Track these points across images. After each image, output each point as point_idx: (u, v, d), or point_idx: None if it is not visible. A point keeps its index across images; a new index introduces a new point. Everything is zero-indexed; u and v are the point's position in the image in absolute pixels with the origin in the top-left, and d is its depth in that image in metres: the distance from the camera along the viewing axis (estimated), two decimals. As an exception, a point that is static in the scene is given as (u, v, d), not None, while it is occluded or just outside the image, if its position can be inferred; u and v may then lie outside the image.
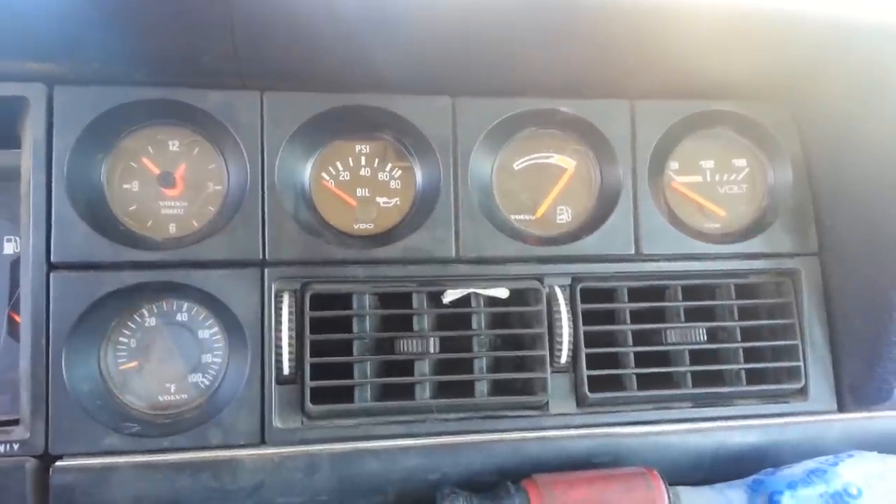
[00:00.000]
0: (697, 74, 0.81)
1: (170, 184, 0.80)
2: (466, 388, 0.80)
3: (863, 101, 0.78)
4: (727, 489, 0.77)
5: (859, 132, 0.80)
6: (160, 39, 0.70)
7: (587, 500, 0.72)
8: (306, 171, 0.83)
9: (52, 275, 0.73)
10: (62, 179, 0.74)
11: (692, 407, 0.83)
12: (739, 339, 0.85)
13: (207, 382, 0.79)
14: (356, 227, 0.84)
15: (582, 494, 0.72)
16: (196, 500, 0.72)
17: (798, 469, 0.77)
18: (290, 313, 0.76)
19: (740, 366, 0.84)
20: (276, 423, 0.75)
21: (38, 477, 0.70)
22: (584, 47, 0.75)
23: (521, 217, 0.87)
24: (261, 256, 0.77)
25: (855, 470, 0.75)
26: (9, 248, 0.88)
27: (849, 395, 0.86)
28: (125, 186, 0.81)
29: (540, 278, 0.83)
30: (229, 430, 0.74)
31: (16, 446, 0.71)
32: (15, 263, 0.87)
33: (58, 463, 0.70)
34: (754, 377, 0.85)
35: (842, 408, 0.86)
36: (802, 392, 0.86)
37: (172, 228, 0.80)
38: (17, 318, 0.86)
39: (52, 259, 0.73)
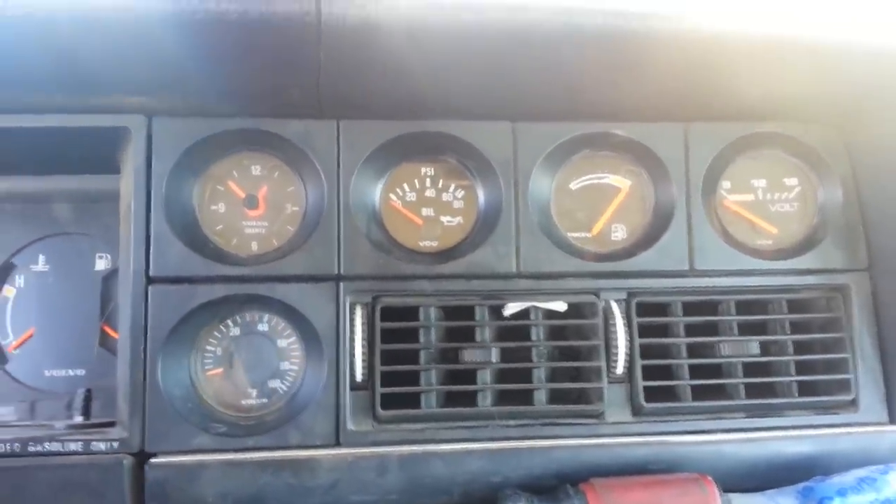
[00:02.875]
0: (748, 98, 0.85)
1: (253, 205, 0.87)
2: (526, 397, 0.84)
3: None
4: (778, 495, 0.80)
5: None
6: (250, 78, 0.77)
7: (642, 501, 0.76)
8: (377, 193, 0.89)
9: (150, 288, 0.81)
10: (160, 201, 0.82)
11: (745, 417, 0.86)
12: (791, 352, 0.88)
13: (286, 388, 0.86)
14: (422, 244, 0.89)
15: (638, 497, 0.76)
16: (277, 496, 0.77)
17: (849, 477, 0.79)
18: (362, 324, 0.82)
19: (792, 378, 0.87)
20: (350, 425, 0.81)
21: (135, 473, 0.77)
22: (640, 75, 0.80)
23: (578, 235, 0.92)
24: (336, 272, 0.83)
25: (902, 478, 0.78)
26: (101, 265, 0.97)
27: (901, 407, 0.88)
28: (213, 208, 0.88)
29: (596, 293, 0.87)
30: (307, 432, 0.80)
31: (115, 444, 0.78)
32: (106, 279, 0.96)
33: (152, 460, 0.77)
34: (806, 389, 0.87)
35: (893, 419, 0.88)
36: (853, 404, 0.88)
37: (255, 246, 0.87)
38: (109, 331, 0.94)
39: (151, 273, 0.81)
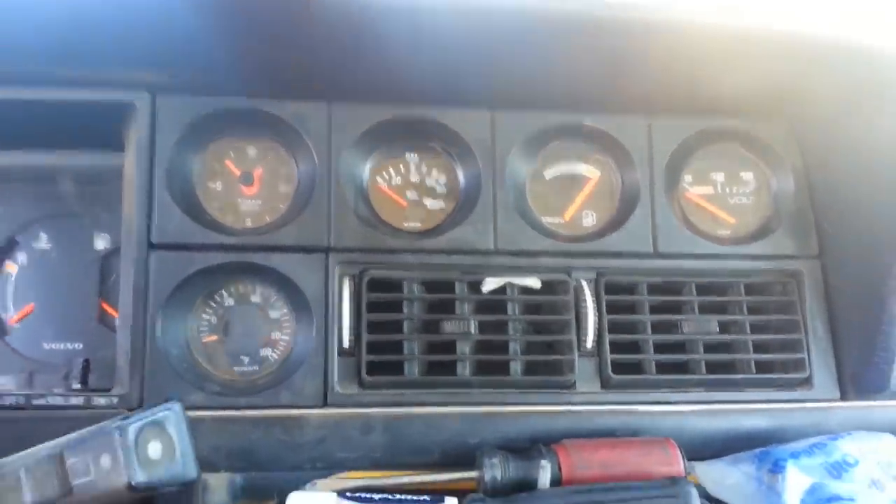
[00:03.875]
0: (703, 92, 0.93)
1: (249, 182, 0.93)
2: (502, 368, 0.90)
3: (853, 115, 0.90)
4: (736, 461, 0.85)
5: (852, 144, 0.91)
6: (248, 56, 0.84)
7: (610, 460, 0.81)
8: (365, 173, 0.95)
9: (151, 253, 0.86)
10: (162, 173, 0.87)
11: (705, 391, 0.92)
12: (748, 331, 0.94)
13: (277, 356, 0.91)
14: (406, 225, 0.96)
15: (605, 456, 0.82)
16: (268, 450, 0.82)
17: (802, 443, 0.85)
18: (350, 295, 0.88)
19: (750, 356, 0.93)
20: (337, 388, 0.86)
21: (134, 427, 0.81)
22: (608, 68, 0.87)
23: (552, 219, 0.98)
24: (326, 244, 0.89)
25: (852, 444, 0.84)
26: (100, 244, 1.02)
27: (850, 385, 0.94)
28: (210, 185, 0.94)
29: (568, 271, 0.94)
30: (297, 393, 0.85)
31: (115, 400, 0.82)
32: (105, 258, 1.00)
33: (151, 415, 0.81)
34: (762, 367, 0.94)
35: (844, 396, 0.94)
36: (807, 381, 0.94)
37: (249, 222, 0.93)
38: (107, 307, 0.99)
39: (153, 240, 0.86)
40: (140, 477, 0.44)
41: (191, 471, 0.48)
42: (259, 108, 0.91)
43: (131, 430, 0.45)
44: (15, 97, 0.87)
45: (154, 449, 0.45)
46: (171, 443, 0.47)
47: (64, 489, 0.45)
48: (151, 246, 0.86)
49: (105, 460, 0.44)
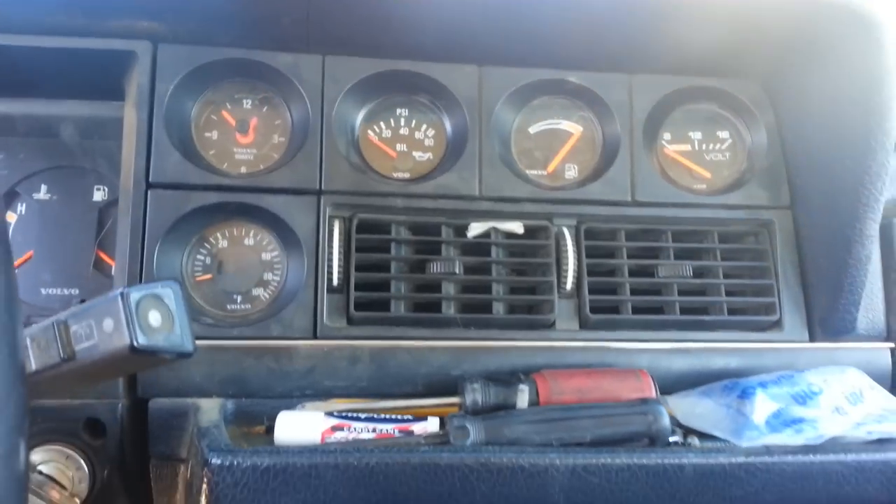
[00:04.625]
0: (679, 51, 0.98)
1: (245, 130, 0.97)
2: (486, 308, 0.94)
3: (818, 72, 0.94)
4: (705, 391, 0.89)
5: (820, 100, 0.96)
6: (247, 5, 0.88)
7: (585, 387, 0.85)
8: (356, 124, 0.99)
9: (149, 192, 0.90)
10: (161, 117, 0.91)
11: (679, 332, 0.96)
12: (721, 277, 0.98)
13: (268, 296, 0.94)
14: (395, 175, 1.00)
15: (581, 383, 0.86)
16: (259, 378, 0.86)
17: (769, 375, 0.89)
18: (340, 235, 0.92)
19: (722, 299, 0.97)
20: (327, 322, 0.90)
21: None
22: (584, 22, 0.92)
23: (535, 172, 1.03)
24: (318, 187, 0.93)
25: (817, 376, 0.88)
26: (98, 196, 1.05)
27: (819, 328, 0.99)
28: (206, 135, 0.98)
29: (550, 218, 0.98)
30: (287, 326, 0.89)
31: (112, 330, 0.86)
32: (103, 209, 1.04)
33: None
34: (735, 310, 0.98)
35: (812, 338, 0.98)
36: (777, 324, 0.98)
37: (243, 169, 0.97)
38: (104, 256, 1.02)
39: (151, 179, 0.90)
40: (141, 340, 0.47)
41: (188, 344, 0.52)
42: (255, 59, 0.95)
43: (133, 297, 0.48)
44: (20, 45, 0.90)
45: (154, 318, 0.49)
46: (170, 315, 0.50)
47: (67, 355, 0.48)
48: (149, 185, 0.90)
49: (108, 324, 0.48)
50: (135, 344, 0.47)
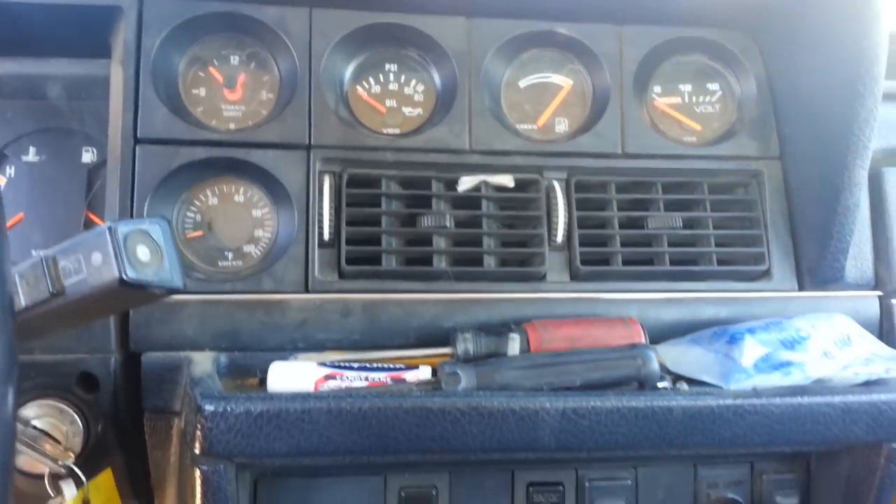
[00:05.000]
0: (669, 2, 0.97)
1: (232, 86, 0.97)
2: (477, 261, 0.94)
3: (807, 22, 0.94)
4: (695, 338, 0.90)
5: (808, 51, 0.95)
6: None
7: (575, 335, 0.86)
8: (345, 78, 0.99)
9: (137, 148, 0.89)
10: (148, 72, 0.91)
11: (669, 281, 0.97)
12: (711, 227, 0.99)
13: (260, 253, 0.94)
14: (385, 130, 0.99)
15: (571, 331, 0.86)
16: (251, 331, 0.86)
17: (758, 322, 0.90)
18: (330, 189, 0.92)
19: (712, 249, 0.98)
20: (318, 276, 0.90)
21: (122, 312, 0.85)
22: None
23: (525, 126, 1.03)
24: (307, 141, 0.93)
25: (805, 322, 0.89)
26: (87, 158, 1.05)
27: (807, 277, 0.99)
28: (194, 91, 0.97)
29: (540, 171, 0.98)
30: (279, 280, 0.89)
31: (104, 285, 0.86)
32: (92, 171, 1.04)
33: (139, 296, 0.85)
34: (724, 260, 0.98)
35: (801, 287, 0.99)
36: (766, 273, 0.99)
37: (231, 125, 0.97)
38: (93, 217, 1.02)
39: (139, 135, 0.89)
40: (130, 273, 0.47)
41: (177, 279, 0.52)
42: (242, 13, 0.94)
43: (121, 231, 0.48)
44: (5, 1, 0.89)
45: (143, 252, 0.49)
46: (159, 250, 0.50)
47: (56, 290, 0.48)
48: (137, 141, 0.89)
49: (96, 257, 0.48)
50: (124, 277, 0.47)
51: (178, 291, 0.54)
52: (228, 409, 0.70)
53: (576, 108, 1.03)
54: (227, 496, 0.73)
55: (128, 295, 0.50)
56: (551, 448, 0.77)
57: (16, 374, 0.41)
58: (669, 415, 0.78)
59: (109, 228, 0.48)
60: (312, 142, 0.93)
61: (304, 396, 0.73)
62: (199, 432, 0.71)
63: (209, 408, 0.71)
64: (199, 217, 0.94)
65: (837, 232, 0.95)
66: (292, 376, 0.79)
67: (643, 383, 0.80)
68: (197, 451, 0.72)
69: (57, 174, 1.04)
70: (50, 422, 0.82)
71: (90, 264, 0.48)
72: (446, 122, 0.96)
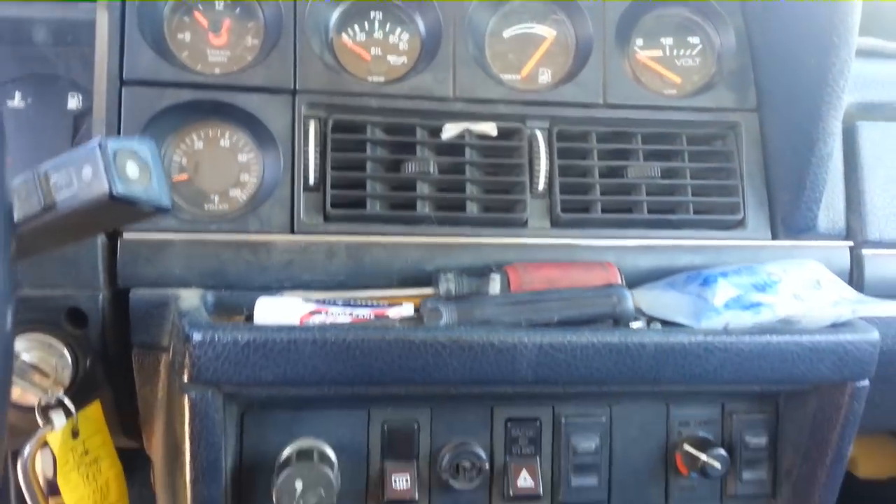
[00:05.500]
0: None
1: (217, 31, 0.97)
2: (460, 207, 0.96)
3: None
4: (669, 283, 0.93)
5: (786, 5, 0.97)
6: None
7: (554, 276, 0.88)
8: (330, 25, 1.00)
9: (123, 89, 0.90)
10: (133, 15, 0.91)
11: (646, 229, 0.99)
12: (689, 177, 1.01)
13: (245, 197, 0.96)
14: (370, 78, 1.01)
15: (550, 273, 0.89)
16: (237, 271, 0.88)
17: (731, 266, 0.93)
18: (315, 134, 0.93)
19: (689, 199, 1.00)
20: (304, 218, 0.92)
21: (108, 247, 0.86)
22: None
23: (509, 76, 1.04)
24: (293, 86, 0.94)
25: (777, 267, 0.92)
26: (72, 104, 1.05)
27: (781, 227, 1.02)
28: (179, 36, 0.98)
29: (523, 120, 0.99)
30: (265, 221, 0.91)
31: (91, 225, 0.87)
32: (78, 117, 1.04)
33: (124, 235, 0.87)
34: (700, 210, 1.01)
35: (775, 236, 1.02)
36: (741, 223, 1.02)
37: (217, 70, 0.97)
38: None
39: (124, 77, 0.90)
40: (120, 188, 0.49)
41: (165, 198, 0.53)
42: (225, -42, 0.94)
43: (111, 147, 0.49)
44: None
45: (132, 170, 0.51)
46: (147, 169, 0.52)
47: (48, 204, 0.50)
48: (123, 82, 0.90)
49: (87, 172, 0.49)
50: (113, 191, 0.49)
51: (165, 210, 0.55)
52: (216, 337, 0.72)
53: (559, 58, 1.05)
54: (214, 423, 0.76)
55: (117, 211, 0.52)
56: (529, 381, 0.79)
57: (15, 284, 0.43)
58: (642, 350, 0.81)
59: (100, 144, 0.49)
60: (298, 87, 0.94)
61: (290, 328, 0.76)
62: (187, 360, 0.73)
63: (197, 336, 0.73)
64: (184, 161, 0.95)
65: (811, 182, 0.98)
66: (278, 311, 0.81)
67: (618, 321, 0.83)
68: (185, 380, 0.74)
69: (42, 120, 1.04)
70: (39, 356, 0.84)
71: (81, 179, 0.49)
72: (430, 69, 0.97)
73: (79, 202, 0.50)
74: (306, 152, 0.93)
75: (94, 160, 0.49)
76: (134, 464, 1.01)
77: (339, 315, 0.81)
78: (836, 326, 0.88)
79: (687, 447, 0.91)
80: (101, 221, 0.56)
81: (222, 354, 0.73)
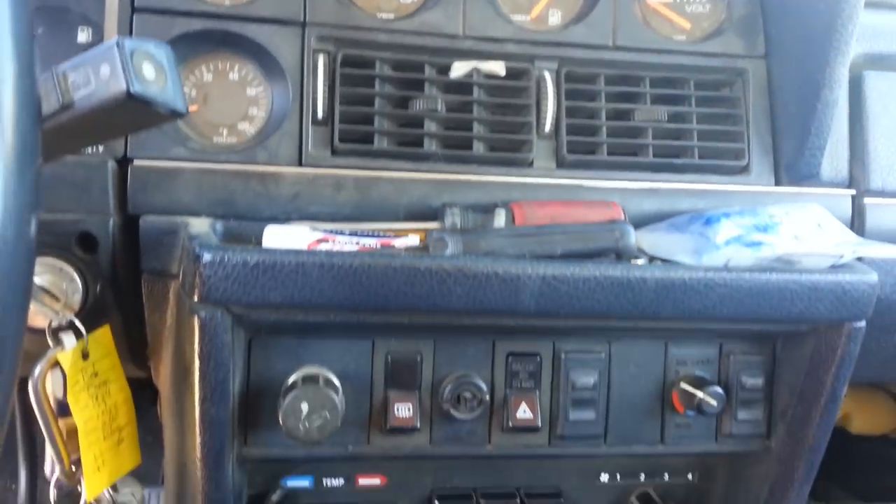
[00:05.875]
0: None
1: (227, -37, 0.97)
2: (466, 145, 0.97)
3: None
4: (672, 224, 0.94)
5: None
6: None
7: (558, 213, 0.89)
8: (341, -40, 0.99)
9: (134, 16, 0.90)
10: (143, -57, 0.91)
11: (651, 172, 1.00)
12: (695, 122, 1.02)
13: (254, 130, 0.96)
14: (380, 15, 1.00)
15: (554, 210, 0.90)
16: (245, 201, 0.89)
17: (733, 208, 0.94)
18: (324, 69, 0.93)
19: (694, 143, 1.01)
20: (311, 151, 0.92)
21: (119, 173, 0.87)
22: None
23: (519, 17, 1.04)
24: (302, 19, 0.94)
25: (779, 208, 0.93)
26: (82, 38, 1.05)
27: (785, 173, 1.03)
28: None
29: (531, 60, 1.00)
30: (274, 153, 0.91)
31: (100, 149, 0.88)
32: (87, 48, 1.04)
33: (135, 162, 0.88)
34: (706, 155, 1.02)
35: (778, 183, 1.03)
36: (745, 169, 1.03)
37: (227, 2, 0.97)
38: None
39: (136, 4, 0.90)
40: (137, 86, 0.50)
41: (180, 103, 0.54)
42: None
43: (128, 46, 0.50)
44: None
45: (148, 70, 0.51)
46: (163, 72, 0.53)
47: (66, 102, 0.51)
48: (134, 9, 0.90)
49: (104, 70, 0.50)
50: (131, 90, 0.50)
51: (180, 115, 0.56)
52: (226, 257, 0.74)
53: (568, 0, 1.05)
54: (223, 343, 0.77)
55: (133, 112, 0.53)
56: (531, 311, 0.81)
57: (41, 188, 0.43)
58: (643, 285, 0.82)
59: (118, 42, 0.50)
60: (308, 19, 0.94)
61: (298, 251, 0.77)
62: (197, 280, 0.74)
63: (207, 256, 0.74)
64: (194, 93, 0.95)
65: (816, 128, 0.98)
66: (286, 238, 0.82)
67: (620, 255, 0.84)
68: (195, 299, 0.75)
69: (52, 52, 1.04)
70: (50, 279, 0.85)
71: (99, 77, 0.50)
72: (440, 6, 0.97)
73: (96, 101, 0.50)
74: (315, 86, 0.93)
75: (111, 58, 0.50)
76: (140, 399, 1.02)
77: (346, 244, 0.83)
78: (835, 266, 0.89)
79: (684, 385, 0.93)
80: (117, 123, 0.56)
81: (232, 275, 0.74)
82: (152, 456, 1.06)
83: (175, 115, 0.55)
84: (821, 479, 1.00)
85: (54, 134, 0.51)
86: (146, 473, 0.97)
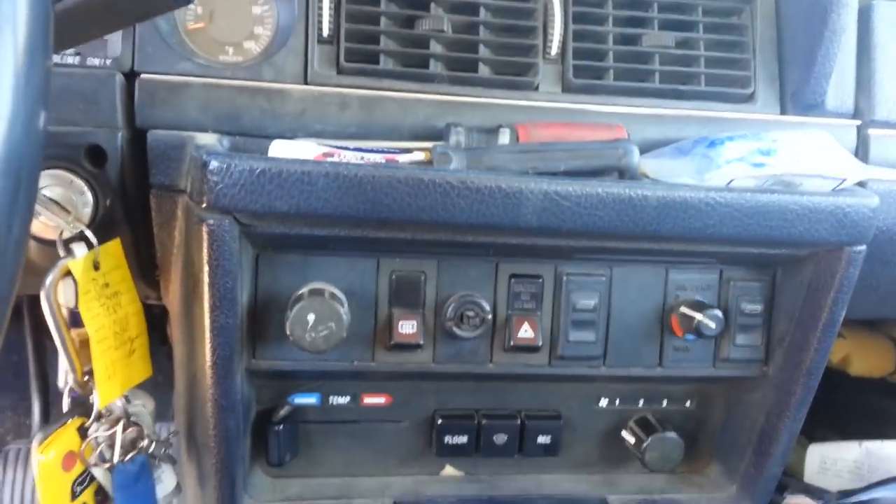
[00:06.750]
0: None
1: None
2: (472, 68, 0.97)
3: None
4: (676, 149, 0.94)
5: None
6: None
7: (562, 133, 0.90)
8: None
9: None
10: None
11: (657, 98, 1.00)
12: (702, 49, 1.01)
13: (260, 49, 0.96)
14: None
15: (559, 131, 0.90)
16: (251, 117, 0.89)
17: (737, 132, 0.94)
18: (330, -15, 0.93)
19: (701, 70, 1.01)
20: (317, 69, 0.92)
21: (126, 85, 0.88)
22: None
23: (526, -59, 1.03)
24: (307, -62, 0.93)
25: (783, 134, 0.93)
26: None
27: (790, 103, 1.03)
28: None
29: (538, -19, 0.99)
30: (279, 71, 0.92)
31: (108, 62, 0.88)
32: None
33: (142, 75, 0.88)
34: (711, 82, 1.01)
35: (783, 112, 1.03)
36: (751, 97, 1.03)
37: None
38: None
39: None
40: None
41: (189, -10, 0.54)
42: None
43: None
44: None
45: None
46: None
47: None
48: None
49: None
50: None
51: (188, 1, 0.56)
52: (233, 164, 0.75)
53: (578, -73, 1.03)
54: (231, 252, 0.79)
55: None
56: (532, 227, 0.82)
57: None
58: (645, 202, 0.83)
59: None
60: (313, -61, 0.93)
61: (304, 161, 0.78)
62: (205, 186, 0.75)
63: (214, 163, 0.75)
64: (199, 10, 0.95)
65: (822, 55, 0.98)
66: (292, 152, 0.83)
67: (623, 173, 0.84)
68: (203, 206, 0.77)
69: None
70: (59, 192, 0.86)
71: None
72: None
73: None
74: (320, 3, 0.93)
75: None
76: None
77: (351, 158, 0.83)
78: (836, 190, 0.89)
79: (683, 308, 0.95)
80: (125, 9, 0.57)
81: (238, 181, 0.75)
82: (162, 395, 1.08)
83: (181, 2, 0.55)
84: (819, 428, 1.02)
85: (64, 19, 0.52)
86: (157, 410, 0.99)
